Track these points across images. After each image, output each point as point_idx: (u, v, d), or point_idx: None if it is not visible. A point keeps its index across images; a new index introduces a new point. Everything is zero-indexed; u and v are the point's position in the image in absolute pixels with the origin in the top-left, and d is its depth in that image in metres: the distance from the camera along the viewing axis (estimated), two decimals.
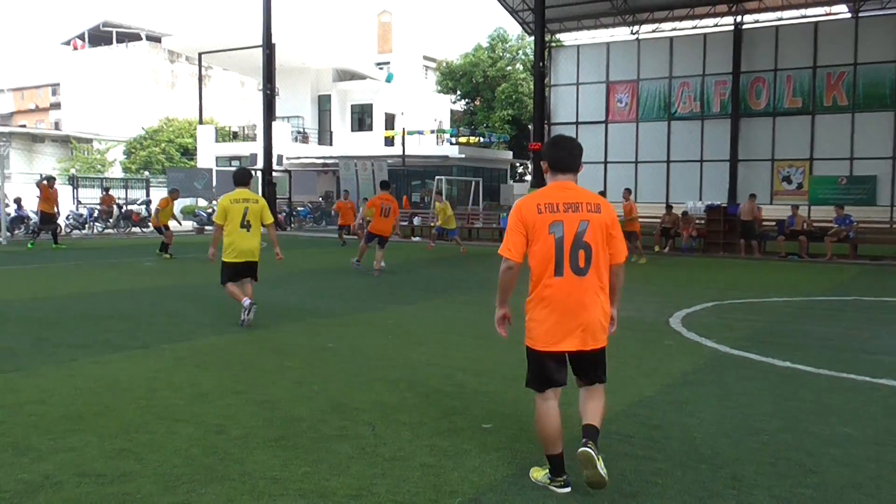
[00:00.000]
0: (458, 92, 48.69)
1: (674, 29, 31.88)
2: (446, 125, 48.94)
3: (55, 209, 20.07)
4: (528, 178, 46.28)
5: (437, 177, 31.88)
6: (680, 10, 30.75)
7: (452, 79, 47.82)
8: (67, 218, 26.82)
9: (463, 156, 38.50)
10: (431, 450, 4.37)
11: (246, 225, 8.42)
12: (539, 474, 3.93)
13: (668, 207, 21.88)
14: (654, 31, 32.39)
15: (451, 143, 42.33)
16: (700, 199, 29.05)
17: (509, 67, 46.86)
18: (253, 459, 4.15)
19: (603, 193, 12.99)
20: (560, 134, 4.25)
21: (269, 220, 8.72)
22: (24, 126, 66.70)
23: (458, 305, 10.35)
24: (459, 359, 6.81)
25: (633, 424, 4.88)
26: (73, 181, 32.32)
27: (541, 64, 26.45)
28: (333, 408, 5.16)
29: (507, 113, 45.03)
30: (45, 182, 20.01)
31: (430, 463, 4.16)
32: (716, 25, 31.29)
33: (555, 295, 3.74)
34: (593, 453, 3.63)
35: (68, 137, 55.29)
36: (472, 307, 10.16)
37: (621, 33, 33.12)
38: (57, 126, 67.18)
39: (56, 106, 71.20)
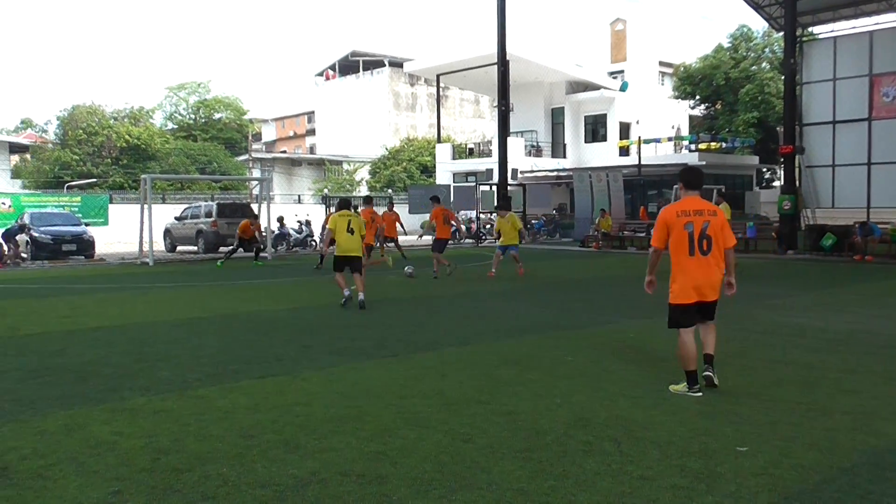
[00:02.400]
0: (697, 96, 46.65)
1: None
2: (685, 131, 47.11)
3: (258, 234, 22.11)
4: (777, 183, 43.24)
5: (675, 186, 30.74)
6: None
7: (691, 83, 45.91)
8: (321, 234, 29.26)
9: (703, 163, 36.78)
10: (682, 471, 4.18)
11: (350, 230, 11.62)
12: (679, 387, 5.92)
13: None
14: None
15: (690, 150, 40.59)
16: None
17: (754, 67, 44.12)
18: (499, 469, 4.22)
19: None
20: (689, 165, 6.19)
21: (363, 230, 11.90)
22: (284, 152, 74.03)
23: None
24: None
25: None
26: (326, 200, 35.34)
27: (791, 61, 24.64)
28: (577, 421, 5.12)
29: (752, 116, 42.38)
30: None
31: (681, 484, 3.98)
32: None
33: (686, 268, 5.83)
34: (711, 374, 5.97)
35: (322, 160, 60.48)
36: (720, 323, 9.63)
37: (886, 20, 29.91)
38: (312, 150, 73.68)
39: (311, 132, 78.18)
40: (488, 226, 33.10)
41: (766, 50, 45.08)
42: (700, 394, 5.77)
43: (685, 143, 42.42)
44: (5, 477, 4.17)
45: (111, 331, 9.42)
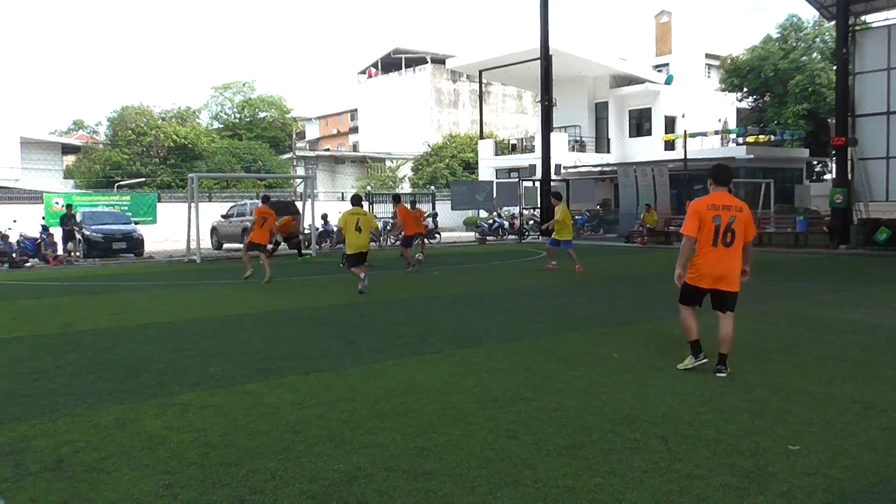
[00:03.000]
0: (745, 89, 45.77)
1: None
2: (732, 124, 46.28)
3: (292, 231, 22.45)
4: (829, 176, 42.25)
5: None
6: None
7: (738, 75, 45.06)
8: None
9: (751, 156, 36.13)
10: (731, 469, 4.12)
11: (358, 229, 12.81)
12: (685, 363, 6.56)
13: None
14: None
15: (738, 144, 39.87)
16: None
17: (804, 58, 43.14)
18: (545, 466, 4.20)
19: None
20: (719, 163, 6.82)
21: (375, 225, 13.34)
22: (328, 150, 74.58)
23: (755, 316, 9.68)
24: (757, 373, 6.36)
25: None
26: (369, 197, 35.59)
27: (844, 50, 24.06)
28: (623, 419, 5.07)
29: (802, 107, 41.45)
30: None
31: (731, 483, 3.92)
32: None
33: (707, 257, 6.30)
34: (723, 374, 6.32)
35: (364, 158, 60.86)
36: (769, 318, 9.47)
37: None
38: (355, 148, 74.19)
39: (354, 130, 78.72)
40: (531, 222, 32.92)
41: (817, 40, 44.05)
42: (706, 360, 6.43)
43: (732, 136, 41.67)
44: (61, 469, 4.28)
45: (160, 327, 9.61)
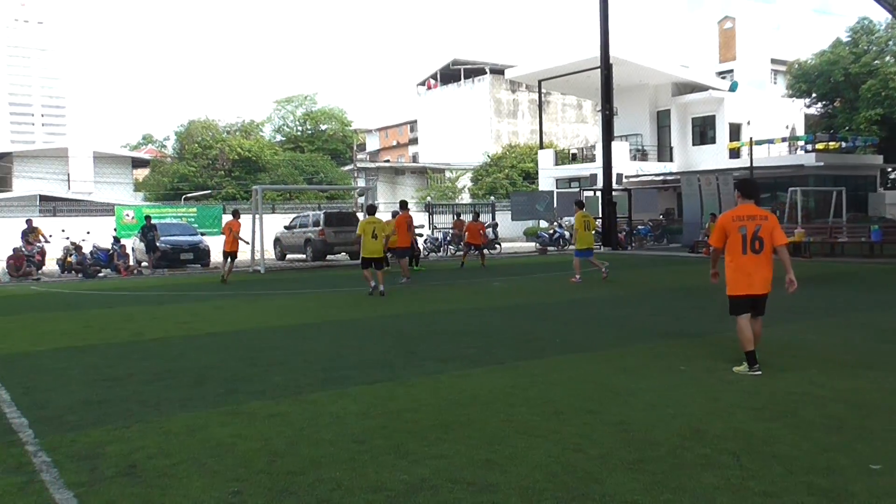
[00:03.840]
0: (814, 94, 44.48)
1: None
2: (800, 131, 45.06)
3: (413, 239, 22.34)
4: None
5: (790, 188, 29.46)
6: None
7: (806, 80, 43.84)
8: (425, 242, 29.56)
9: (821, 163, 35.11)
10: (808, 488, 3.97)
11: (374, 236, 14.29)
12: (741, 368, 6.82)
13: None
14: None
15: (807, 151, 38.73)
16: None
17: (876, 61, 41.73)
18: (612, 481, 4.13)
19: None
20: (745, 177, 6.61)
21: (389, 232, 15.17)
22: (387, 161, 75.32)
23: (828, 328, 9.38)
24: (833, 388, 6.14)
25: None
26: (429, 208, 35.83)
27: None
28: (692, 434, 4.95)
29: (875, 112, 40.07)
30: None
31: (808, 503, 3.78)
32: None
33: (739, 265, 6.83)
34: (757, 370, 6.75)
35: (424, 168, 61.23)
36: (844, 331, 9.15)
37: None
38: (415, 159, 74.70)
39: (414, 141, 79.31)
40: (592, 232, 32.58)
41: (890, 43, 42.60)
42: (759, 373, 6.68)
43: (801, 143, 40.53)
44: (134, 475, 4.39)
45: (226, 336, 9.81)
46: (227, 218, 31.64)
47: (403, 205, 19.27)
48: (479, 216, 23.97)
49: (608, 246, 29.82)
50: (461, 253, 29.49)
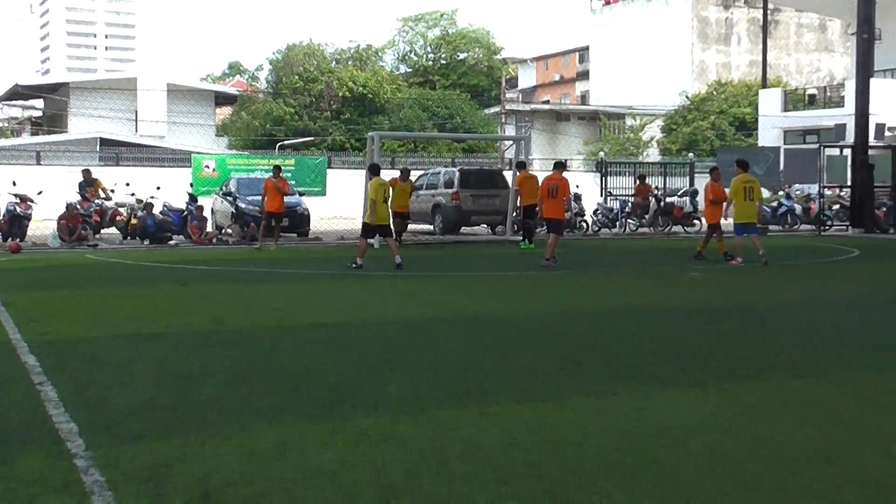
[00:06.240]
0: None
1: None
2: None
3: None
4: None
5: None
6: None
7: None
8: (595, 213, 29.28)
9: None
10: None
11: (385, 199, 16.96)
12: None
13: None
14: None
15: None
16: None
17: None
18: None
19: None
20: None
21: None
22: (547, 102, 75.21)
23: None
24: None
25: None
26: (602, 167, 34.95)
27: None
28: None
29: None
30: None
31: None
32: None
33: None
34: None
35: (596, 113, 60.78)
36: None
37: None
38: (583, 100, 74.21)
39: (583, 76, 78.70)
40: (836, 206, 31.25)
41: None
42: None
43: None
44: None
45: (330, 329, 10.08)
46: (352, 174, 32.02)
47: (559, 165, 19.07)
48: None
49: (859, 227, 28.53)
50: (642, 228, 29.04)
